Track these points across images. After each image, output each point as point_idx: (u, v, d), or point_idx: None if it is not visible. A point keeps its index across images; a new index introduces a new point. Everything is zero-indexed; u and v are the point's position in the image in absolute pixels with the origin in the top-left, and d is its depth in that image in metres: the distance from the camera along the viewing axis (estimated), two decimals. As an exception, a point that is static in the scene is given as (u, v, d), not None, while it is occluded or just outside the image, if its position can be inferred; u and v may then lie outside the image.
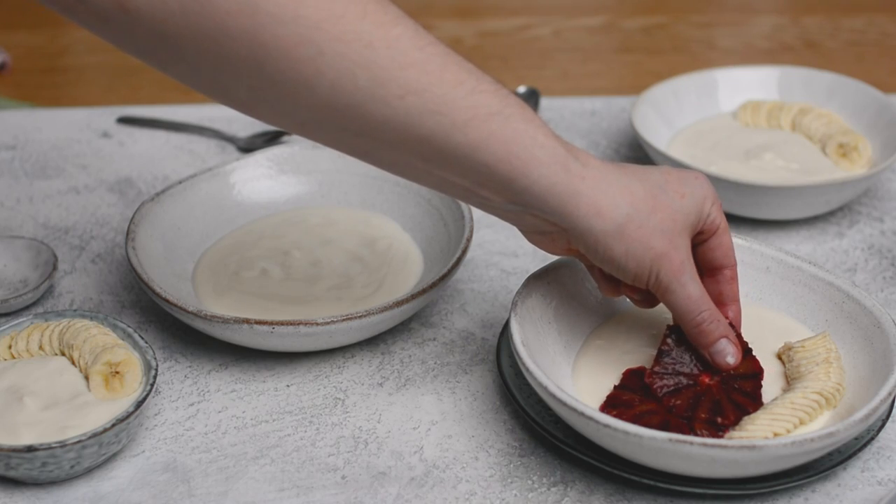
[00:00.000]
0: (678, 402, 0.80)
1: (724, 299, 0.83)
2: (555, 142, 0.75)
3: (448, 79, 0.72)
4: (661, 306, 0.83)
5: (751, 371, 0.82)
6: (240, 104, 0.74)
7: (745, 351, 0.83)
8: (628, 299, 0.85)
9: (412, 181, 0.78)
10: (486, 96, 0.73)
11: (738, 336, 0.82)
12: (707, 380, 0.81)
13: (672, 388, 0.81)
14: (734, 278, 0.83)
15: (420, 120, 0.72)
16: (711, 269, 0.83)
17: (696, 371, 0.82)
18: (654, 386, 0.81)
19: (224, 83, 0.72)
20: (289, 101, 0.72)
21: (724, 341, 0.81)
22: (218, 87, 0.73)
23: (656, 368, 0.82)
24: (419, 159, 0.74)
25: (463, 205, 0.97)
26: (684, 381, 0.81)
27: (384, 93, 0.71)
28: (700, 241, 0.82)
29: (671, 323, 0.83)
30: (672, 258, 0.78)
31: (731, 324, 0.82)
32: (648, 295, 0.83)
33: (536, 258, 1.03)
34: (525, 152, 0.74)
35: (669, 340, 0.83)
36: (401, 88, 0.71)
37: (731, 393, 0.81)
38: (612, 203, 0.76)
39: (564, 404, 0.76)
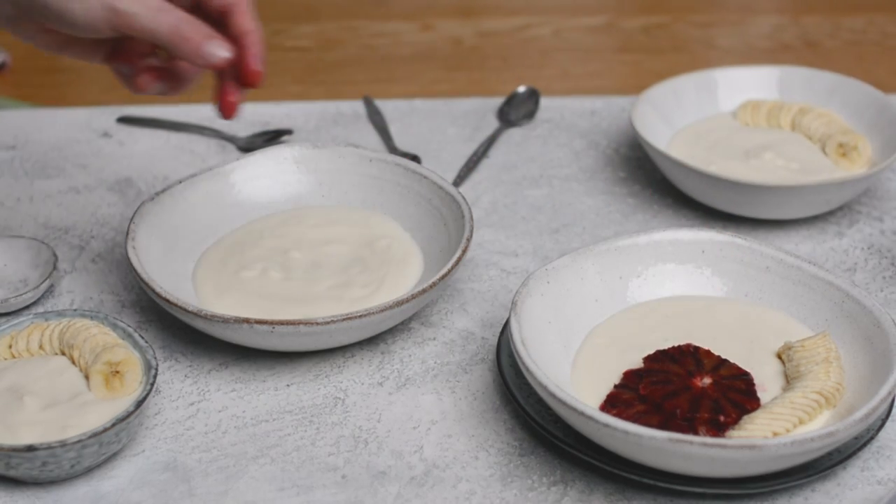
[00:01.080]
0: (678, 405, 0.80)
1: (242, 31, 0.81)
2: None
3: None
4: (662, 309, 0.83)
5: (738, 372, 0.83)
6: None
7: (721, 361, 0.83)
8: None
9: None
10: None
11: (255, 61, 0.80)
12: (699, 383, 0.82)
13: (671, 392, 0.81)
14: (243, 11, 0.81)
15: None
16: (222, 17, 0.81)
17: (684, 378, 0.82)
18: (651, 395, 0.81)
19: None
20: None
21: (213, 41, 0.78)
22: None
23: (648, 381, 0.82)
24: None
25: (463, 204, 0.97)
26: (679, 386, 0.81)
27: None
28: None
29: (646, 354, 0.85)
30: None
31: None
32: (160, 75, 0.80)
33: (536, 258, 1.03)
34: None
35: (650, 362, 0.84)
36: None
37: (727, 392, 0.81)
38: None
39: (564, 404, 0.76)
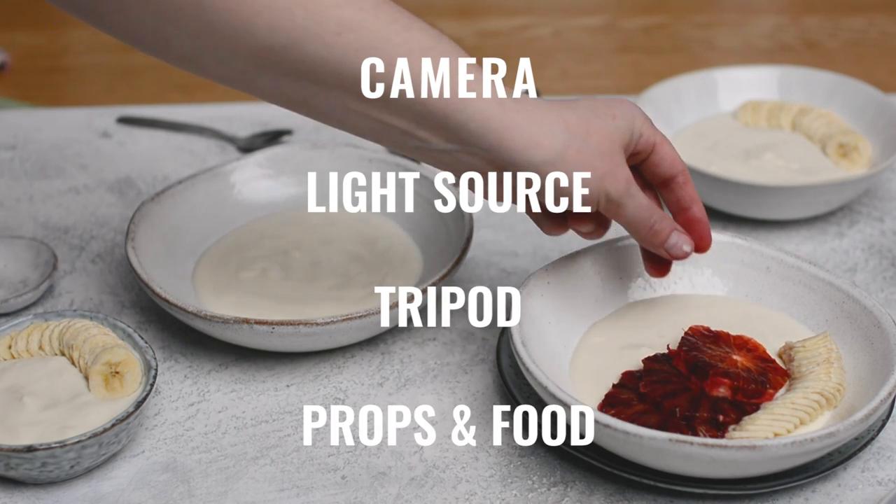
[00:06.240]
0: (678, 404, 0.80)
1: (684, 203, 0.85)
2: None
3: (382, 17, 0.74)
4: (653, 308, 0.83)
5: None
6: (182, 56, 0.76)
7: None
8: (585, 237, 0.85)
9: (350, 131, 0.79)
10: (419, 34, 0.75)
11: (706, 232, 0.85)
12: (699, 384, 0.81)
13: (670, 392, 0.81)
14: (687, 181, 0.84)
15: (356, 57, 0.73)
16: (664, 182, 0.84)
17: (683, 378, 0.82)
18: (651, 394, 0.81)
19: (166, 33, 0.74)
20: (229, 46, 0.74)
21: (675, 234, 0.83)
22: (160, 39, 0.75)
23: (648, 380, 0.82)
24: (356, 100, 0.75)
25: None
26: (679, 386, 0.81)
27: (321, 30, 0.73)
28: (642, 160, 0.83)
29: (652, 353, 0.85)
30: (616, 175, 0.79)
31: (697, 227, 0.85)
32: (596, 222, 0.83)
33: (536, 258, 1.03)
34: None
35: (651, 363, 0.83)
36: (337, 26, 0.73)
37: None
38: (548, 132, 0.76)
39: (564, 404, 0.76)
